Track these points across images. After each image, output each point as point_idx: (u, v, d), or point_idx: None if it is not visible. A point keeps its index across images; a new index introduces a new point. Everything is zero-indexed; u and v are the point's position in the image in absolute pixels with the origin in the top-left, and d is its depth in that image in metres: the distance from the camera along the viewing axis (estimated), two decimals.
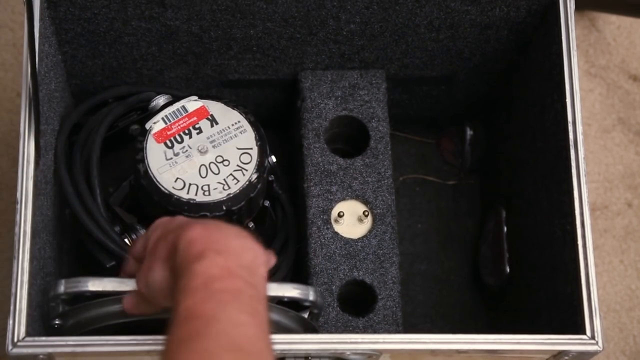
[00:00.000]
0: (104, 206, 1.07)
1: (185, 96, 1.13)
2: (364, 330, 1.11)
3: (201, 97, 1.10)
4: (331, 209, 1.14)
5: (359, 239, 1.14)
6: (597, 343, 0.97)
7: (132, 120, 1.15)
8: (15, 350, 0.92)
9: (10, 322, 0.93)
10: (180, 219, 0.92)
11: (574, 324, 1.00)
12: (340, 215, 1.14)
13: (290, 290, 1.00)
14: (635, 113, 1.47)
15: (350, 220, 1.15)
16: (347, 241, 1.13)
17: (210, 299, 0.77)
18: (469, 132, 1.33)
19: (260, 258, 0.83)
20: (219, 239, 0.82)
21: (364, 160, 1.17)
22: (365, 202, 1.15)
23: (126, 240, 1.07)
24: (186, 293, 0.78)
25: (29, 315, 0.94)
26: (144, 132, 1.07)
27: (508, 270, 1.24)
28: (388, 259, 1.13)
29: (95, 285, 0.97)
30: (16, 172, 0.99)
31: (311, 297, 1.01)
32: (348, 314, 1.11)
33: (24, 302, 0.93)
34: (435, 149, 1.37)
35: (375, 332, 1.10)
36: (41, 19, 1.03)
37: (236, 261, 0.81)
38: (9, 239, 1.31)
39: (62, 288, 0.97)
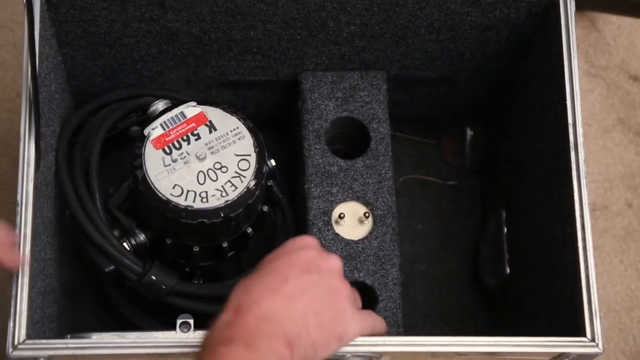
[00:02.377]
0: (103, 210, 1.07)
1: (184, 99, 1.13)
2: None
3: (200, 102, 1.10)
4: (332, 210, 1.14)
5: (359, 240, 1.14)
6: (597, 345, 0.97)
7: (132, 122, 1.15)
8: (16, 353, 0.92)
9: (11, 324, 0.93)
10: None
11: (574, 326, 1.00)
12: (340, 216, 1.14)
13: None
14: (635, 113, 1.47)
15: (351, 221, 1.15)
16: (348, 242, 1.13)
17: None
18: (469, 133, 1.33)
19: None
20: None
21: (365, 162, 1.17)
22: (366, 203, 1.15)
23: (125, 244, 1.07)
24: None
25: (29, 317, 0.94)
26: (143, 138, 1.07)
27: (508, 271, 1.24)
28: (389, 260, 1.13)
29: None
30: (16, 173, 0.99)
31: None
32: None
33: (24, 304, 0.93)
34: (436, 149, 1.37)
35: None
36: (41, 21, 1.03)
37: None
38: None
39: None
